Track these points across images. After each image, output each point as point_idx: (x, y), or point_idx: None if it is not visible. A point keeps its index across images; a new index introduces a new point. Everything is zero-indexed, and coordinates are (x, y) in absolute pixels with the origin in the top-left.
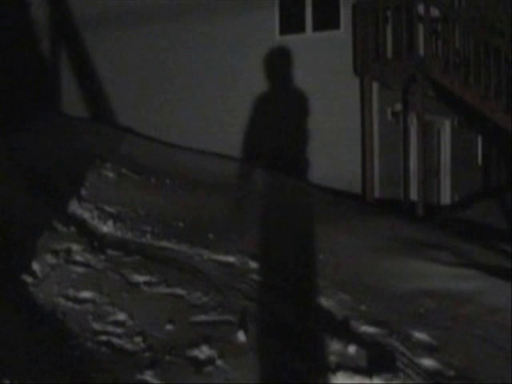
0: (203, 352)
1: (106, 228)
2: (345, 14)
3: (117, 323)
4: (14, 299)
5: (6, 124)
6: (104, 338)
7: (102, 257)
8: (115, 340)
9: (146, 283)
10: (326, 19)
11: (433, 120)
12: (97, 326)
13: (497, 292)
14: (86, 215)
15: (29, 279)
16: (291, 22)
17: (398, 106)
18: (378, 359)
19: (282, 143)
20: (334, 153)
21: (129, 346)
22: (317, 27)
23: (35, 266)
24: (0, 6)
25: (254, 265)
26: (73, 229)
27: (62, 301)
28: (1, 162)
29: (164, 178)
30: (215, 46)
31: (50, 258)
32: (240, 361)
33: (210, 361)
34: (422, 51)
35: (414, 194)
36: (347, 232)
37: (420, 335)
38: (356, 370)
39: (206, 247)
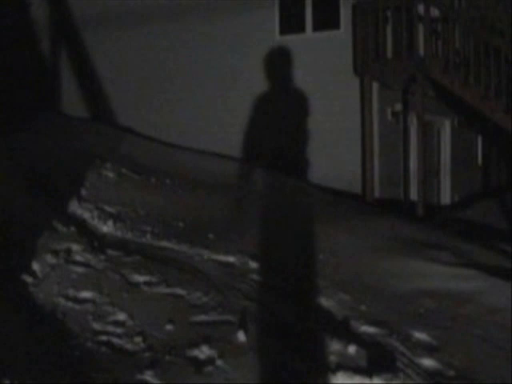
0: (203, 352)
1: (106, 228)
2: (345, 14)
3: (117, 323)
4: (14, 299)
5: (6, 124)
6: (104, 337)
7: (102, 257)
8: (115, 340)
9: (146, 283)
10: (326, 19)
11: (433, 120)
12: (97, 325)
13: (497, 292)
14: (86, 215)
15: (29, 279)
16: (291, 22)
17: (398, 106)
18: (378, 359)
19: (282, 143)
20: (334, 153)
21: (129, 346)
22: (317, 27)
23: (35, 266)
24: (0, 6)
25: (253, 265)
26: (73, 229)
27: (62, 301)
28: (1, 162)
29: (164, 177)
30: (215, 46)
31: (50, 258)
32: (240, 361)
33: (209, 361)
34: (422, 51)
35: (414, 194)
36: (347, 232)
37: (420, 335)
38: (356, 370)
39: (206, 247)
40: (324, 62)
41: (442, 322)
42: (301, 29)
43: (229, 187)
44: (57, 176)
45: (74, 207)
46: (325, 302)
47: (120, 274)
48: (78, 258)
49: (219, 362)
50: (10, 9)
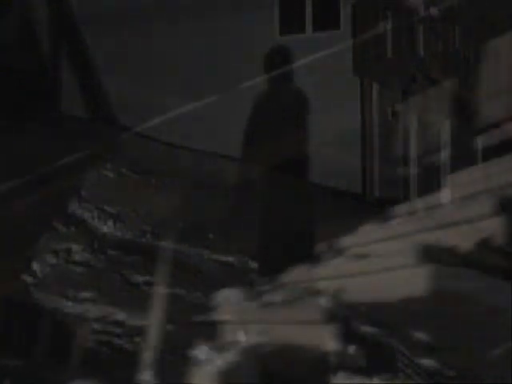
0: (203, 352)
1: (106, 228)
2: (345, 14)
3: (117, 323)
4: (13, 299)
5: (6, 124)
6: (104, 338)
7: (102, 257)
8: (115, 340)
9: (146, 283)
10: (326, 19)
11: (433, 120)
12: (97, 326)
13: (497, 292)
14: (86, 215)
15: (29, 279)
16: (291, 22)
17: (398, 106)
18: (377, 359)
19: (282, 143)
20: (334, 153)
21: (129, 346)
22: (317, 27)
23: (35, 266)
24: (0, 6)
25: (253, 265)
26: (73, 229)
27: (62, 301)
28: (1, 162)
29: (164, 178)
30: (215, 45)
31: (50, 258)
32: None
33: (209, 361)
34: (422, 51)
35: (413, 194)
36: (347, 232)
37: (420, 335)
38: (356, 370)
39: (206, 247)
40: (324, 62)
41: (442, 322)
42: (301, 29)
43: (229, 187)
44: (57, 176)
45: (74, 207)
46: (325, 301)
47: (120, 274)
48: (78, 257)
49: (219, 362)
50: (10, 9)
